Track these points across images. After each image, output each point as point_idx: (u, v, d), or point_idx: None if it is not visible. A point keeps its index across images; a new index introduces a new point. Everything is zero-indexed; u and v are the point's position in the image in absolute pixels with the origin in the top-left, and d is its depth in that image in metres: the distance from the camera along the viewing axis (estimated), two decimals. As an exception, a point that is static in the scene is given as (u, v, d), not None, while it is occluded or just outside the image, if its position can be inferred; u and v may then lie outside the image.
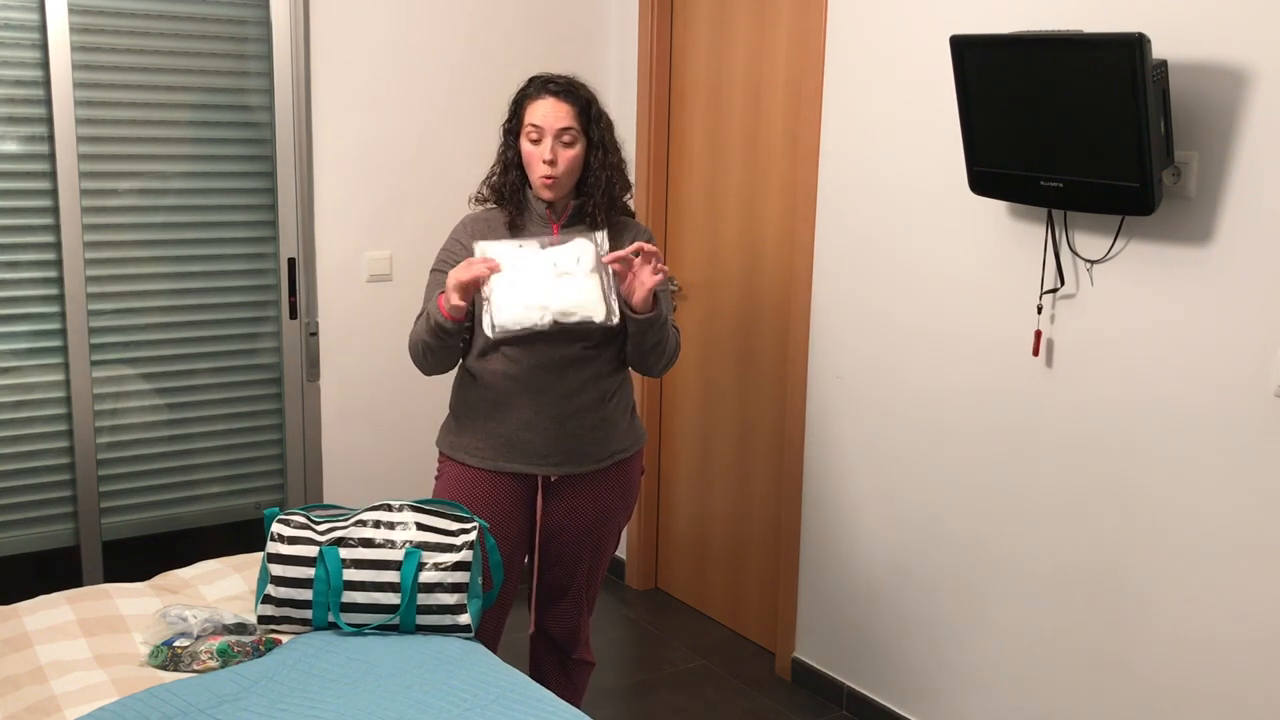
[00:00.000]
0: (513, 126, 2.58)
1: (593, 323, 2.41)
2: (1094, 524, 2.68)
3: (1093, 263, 2.63)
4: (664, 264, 2.44)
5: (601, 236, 2.46)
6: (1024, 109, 2.48)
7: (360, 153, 3.67)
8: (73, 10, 3.18)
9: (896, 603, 3.21)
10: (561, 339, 2.51)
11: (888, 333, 3.15)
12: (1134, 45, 2.22)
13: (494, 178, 2.62)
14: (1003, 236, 2.82)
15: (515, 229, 2.59)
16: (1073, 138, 2.41)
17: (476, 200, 2.66)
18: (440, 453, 2.72)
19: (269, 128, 3.52)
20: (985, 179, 2.65)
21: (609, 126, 2.58)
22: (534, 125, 2.50)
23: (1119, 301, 2.59)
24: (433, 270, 2.64)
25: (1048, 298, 2.73)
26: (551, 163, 2.49)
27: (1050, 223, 2.69)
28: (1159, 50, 2.37)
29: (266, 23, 3.47)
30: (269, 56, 3.48)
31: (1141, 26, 2.44)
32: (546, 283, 2.39)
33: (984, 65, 2.53)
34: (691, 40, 3.84)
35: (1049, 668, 2.81)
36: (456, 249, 2.62)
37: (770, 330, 3.62)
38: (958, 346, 2.96)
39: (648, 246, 2.42)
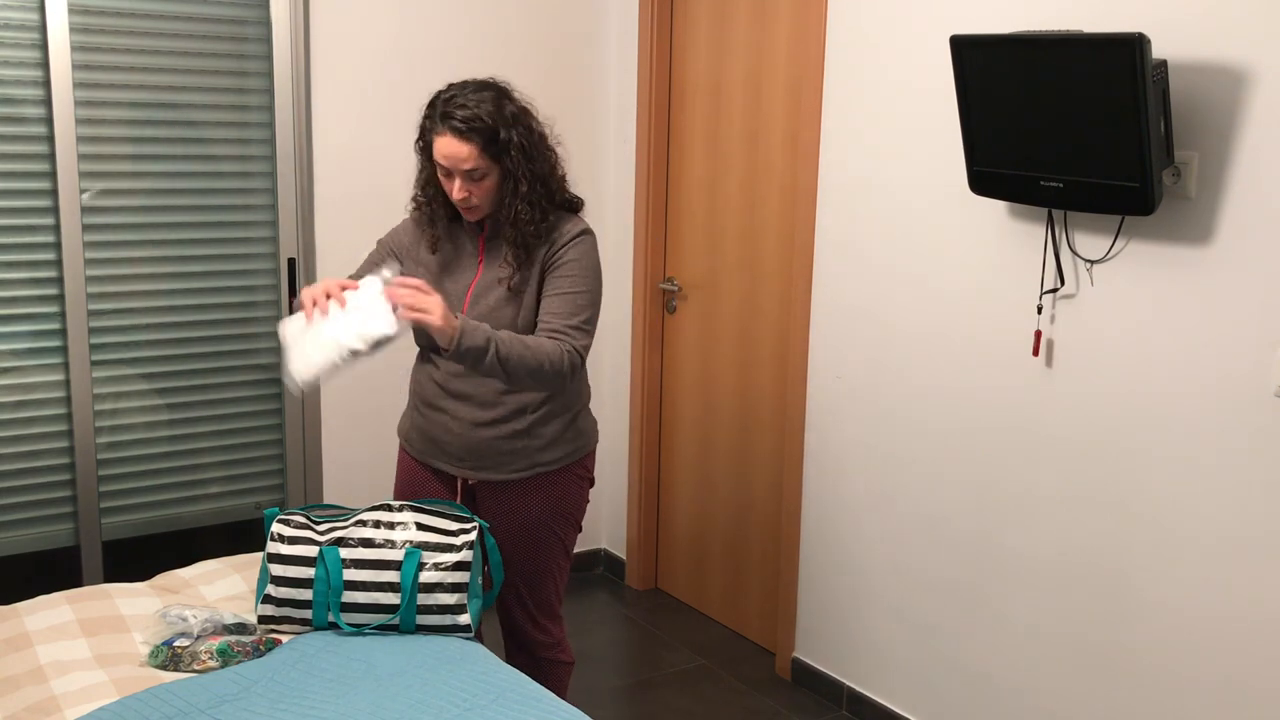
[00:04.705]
0: (424, 146, 2.48)
1: (387, 337, 2.26)
2: (1094, 523, 2.68)
3: (1093, 263, 2.63)
4: (416, 306, 2.24)
5: (390, 273, 2.34)
6: (1024, 109, 2.48)
7: (360, 153, 3.66)
8: (73, 10, 3.18)
9: (896, 603, 3.21)
10: None
11: (887, 332, 3.15)
12: (1134, 45, 2.22)
13: (417, 194, 2.56)
14: (1003, 237, 2.82)
15: (443, 242, 2.54)
16: (1073, 138, 2.41)
17: (410, 211, 2.62)
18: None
19: (269, 128, 3.52)
20: (985, 179, 2.65)
21: (523, 145, 2.40)
22: (440, 163, 2.41)
23: (1119, 301, 2.59)
24: (377, 245, 2.65)
25: (1048, 298, 2.73)
26: (464, 198, 2.42)
27: (1050, 223, 2.69)
28: (1159, 50, 2.37)
29: (266, 23, 3.47)
30: (269, 56, 3.48)
31: (1141, 26, 2.44)
32: (335, 319, 2.26)
33: (984, 65, 2.53)
34: (691, 40, 3.84)
35: (1049, 667, 2.81)
36: (399, 237, 2.62)
37: (770, 330, 3.62)
38: (958, 346, 2.96)
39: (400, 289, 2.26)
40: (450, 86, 2.46)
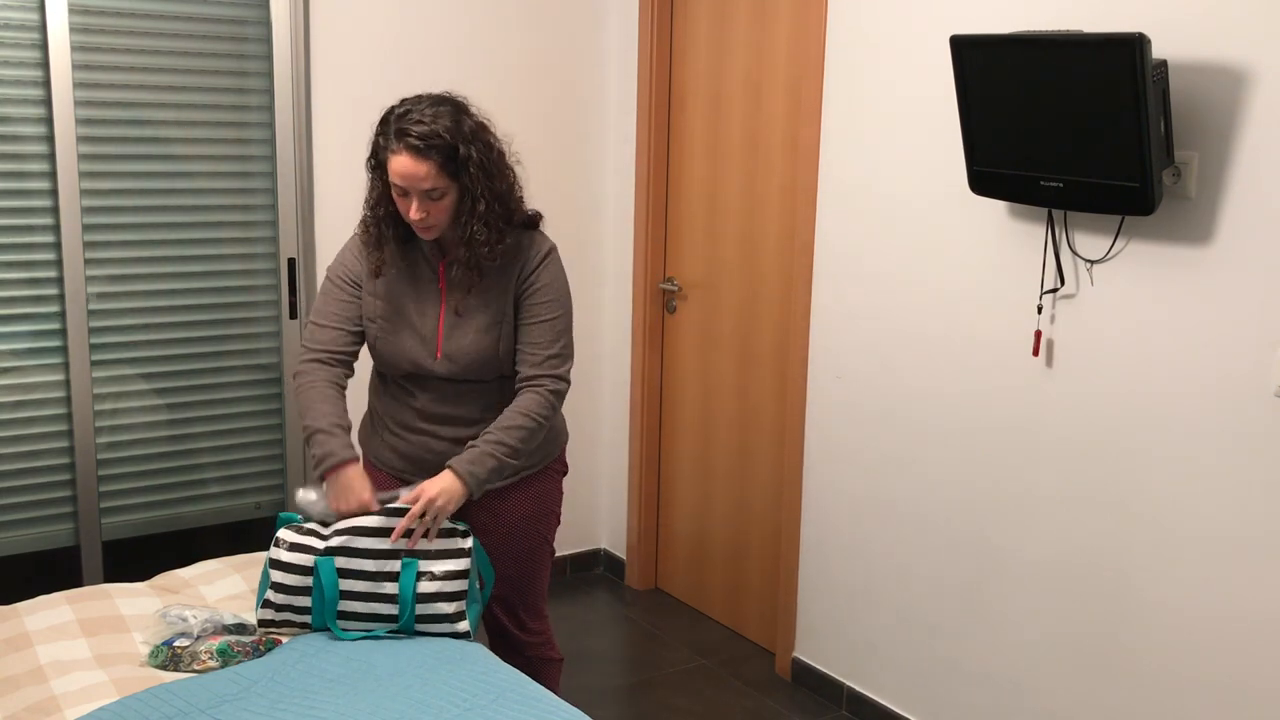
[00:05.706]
0: (377, 164, 2.38)
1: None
2: (1094, 523, 2.68)
3: (1093, 263, 2.63)
4: (430, 520, 2.33)
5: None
6: (1024, 109, 2.48)
7: (360, 153, 3.60)
8: (73, 10, 3.18)
9: (896, 603, 3.21)
10: (454, 375, 2.47)
11: (887, 333, 3.15)
12: (1134, 45, 2.22)
13: (367, 214, 2.46)
14: (1003, 237, 2.82)
15: (399, 269, 2.48)
16: (1073, 138, 2.41)
17: (360, 232, 2.54)
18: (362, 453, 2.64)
19: (269, 128, 3.52)
20: (985, 179, 2.65)
21: (482, 162, 2.33)
22: (396, 183, 2.31)
23: (1119, 301, 2.59)
24: (328, 277, 2.55)
25: (1048, 298, 2.73)
26: (422, 218, 2.33)
27: (1050, 223, 2.69)
28: (1159, 50, 2.37)
29: (266, 23, 3.47)
30: (269, 56, 3.48)
31: (1141, 26, 2.44)
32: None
33: (984, 65, 2.53)
34: (691, 41, 3.84)
35: (1049, 667, 2.81)
36: (352, 264, 2.53)
37: (770, 330, 3.62)
38: (957, 346, 2.96)
39: (405, 527, 2.33)
40: (404, 101, 2.36)
